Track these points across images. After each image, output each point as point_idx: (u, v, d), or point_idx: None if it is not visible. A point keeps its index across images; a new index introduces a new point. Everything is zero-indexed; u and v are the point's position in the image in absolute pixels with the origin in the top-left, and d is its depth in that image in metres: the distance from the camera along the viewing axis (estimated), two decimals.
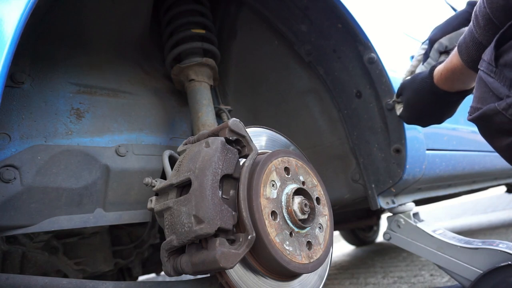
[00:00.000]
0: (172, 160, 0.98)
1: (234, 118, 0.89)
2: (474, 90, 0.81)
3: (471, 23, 0.87)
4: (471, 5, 1.15)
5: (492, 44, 0.73)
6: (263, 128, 1.05)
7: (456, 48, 0.95)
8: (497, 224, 3.64)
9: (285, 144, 1.10)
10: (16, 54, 0.66)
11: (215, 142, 0.82)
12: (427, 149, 1.49)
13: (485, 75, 0.75)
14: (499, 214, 4.50)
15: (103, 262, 1.55)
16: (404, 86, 1.23)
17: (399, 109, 1.31)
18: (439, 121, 1.22)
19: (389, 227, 1.52)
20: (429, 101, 1.14)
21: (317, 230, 0.93)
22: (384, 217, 4.31)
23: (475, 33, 0.85)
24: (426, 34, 1.59)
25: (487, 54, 0.76)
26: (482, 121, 0.76)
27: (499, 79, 0.71)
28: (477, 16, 0.83)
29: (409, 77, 1.22)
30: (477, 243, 1.27)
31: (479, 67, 0.79)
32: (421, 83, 1.14)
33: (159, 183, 0.87)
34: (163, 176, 1.01)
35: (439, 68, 1.08)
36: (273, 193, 0.86)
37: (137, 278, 1.91)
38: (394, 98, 1.32)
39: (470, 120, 0.81)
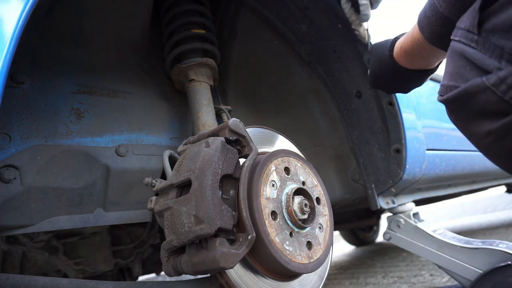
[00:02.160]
0: (172, 160, 0.98)
1: (234, 118, 0.89)
2: (445, 65, 0.69)
3: None
4: None
5: (476, 6, 0.60)
6: (263, 128, 1.05)
7: (416, 22, 0.85)
8: (497, 224, 3.64)
9: (285, 144, 1.10)
10: (16, 54, 0.66)
11: (215, 142, 0.82)
12: (427, 149, 1.49)
13: (462, 46, 0.62)
14: (499, 214, 4.50)
15: (103, 262, 1.55)
16: (370, 50, 1.12)
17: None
18: (405, 91, 1.11)
19: (389, 227, 1.52)
20: (389, 75, 1.02)
21: (317, 230, 0.93)
22: (384, 217, 4.31)
23: (438, 7, 0.75)
24: None
25: (465, 20, 0.63)
26: (460, 101, 0.62)
27: (484, 49, 0.58)
28: None
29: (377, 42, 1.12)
30: (477, 243, 1.27)
31: (452, 37, 0.67)
32: (380, 55, 1.03)
33: (159, 183, 0.87)
34: (163, 176, 1.02)
35: (400, 41, 0.96)
36: (273, 193, 0.86)
37: (137, 278, 1.91)
38: (365, 57, 1.26)
39: (442, 100, 0.67)
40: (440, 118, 1.71)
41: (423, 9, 0.83)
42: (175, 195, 0.82)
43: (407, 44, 0.93)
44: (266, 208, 0.83)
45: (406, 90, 1.11)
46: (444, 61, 0.73)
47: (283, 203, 0.87)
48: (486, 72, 0.58)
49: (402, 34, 1.01)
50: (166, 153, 1.00)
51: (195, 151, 0.84)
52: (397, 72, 1.01)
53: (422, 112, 1.52)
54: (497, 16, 0.57)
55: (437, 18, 0.77)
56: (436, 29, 0.79)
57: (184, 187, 0.83)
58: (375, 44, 1.13)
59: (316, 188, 0.99)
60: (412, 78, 1.02)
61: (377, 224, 4.57)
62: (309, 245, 0.89)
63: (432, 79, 1.74)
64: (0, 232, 0.92)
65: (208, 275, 0.90)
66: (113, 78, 1.21)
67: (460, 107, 0.64)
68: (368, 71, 1.18)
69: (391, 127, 1.37)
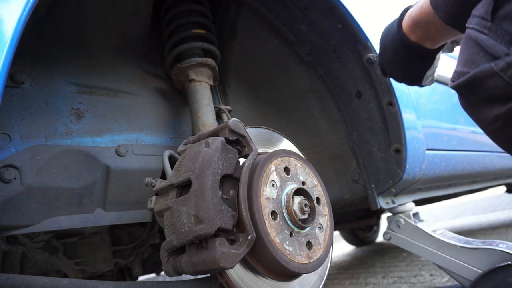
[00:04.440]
0: (172, 160, 0.98)
1: (234, 118, 0.89)
2: (459, 52, 0.69)
3: None
4: None
5: None
6: (263, 128, 1.05)
7: None
8: (497, 224, 3.64)
9: (285, 144, 1.10)
10: (16, 54, 0.66)
11: (215, 142, 0.82)
12: (427, 149, 1.49)
13: (476, 33, 0.63)
14: (499, 214, 4.50)
15: (103, 262, 1.55)
16: (381, 36, 1.08)
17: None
18: (417, 81, 1.06)
19: (389, 227, 1.52)
20: (395, 49, 0.98)
21: (317, 230, 0.93)
22: (384, 217, 4.30)
23: None
24: None
25: (480, 8, 0.64)
26: (470, 86, 0.64)
27: (495, 35, 0.59)
28: None
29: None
30: (477, 243, 1.27)
31: (467, 25, 0.67)
32: (389, 27, 1.01)
33: (159, 183, 0.87)
34: (163, 176, 1.01)
35: (409, 11, 0.94)
36: (273, 193, 0.86)
37: (137, 278, 1.91)
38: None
39: (454, 86, 0.68)
40: (440, 118, 1.71)
41: None
42: (175, 195, 0.82)
43: (416, 14, 0.90)
44: (266, 208, 0.83)
45: (418, 78, 1.05)
46: (458, 48, 0.73)
47: (283, 203, 0.87)
48: (495, 58, 0.59)
49: (408, 8, 0.96)
50: (166, 153, 1.00)
51: (195, 151, 0.84)
52: (405, 45, 0.95)
53: (422, 112, 1.52)
54: (509, 3, 0.57)
55: None
56: (452, 9, 0.77)
57: (184, 187, 0.83)
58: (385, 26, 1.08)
59: (316, 188, 0.99)
60: (419, 56, 0.97)
61: (377, 224, 4.57)
62: (309, 245, 0.89)
63: None
64: (0, 232, 0.92)
65: (208, 275, 0.90)
66: (113, 78, 1.21)
67: (470, 92, 0.65)
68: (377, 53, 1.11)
69: (391, 127, 1.37)
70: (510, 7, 0.57)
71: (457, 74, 0.67)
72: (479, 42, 0.62)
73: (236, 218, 0.78)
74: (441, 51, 1.01)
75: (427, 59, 1.00)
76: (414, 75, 1.04)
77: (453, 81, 0.68)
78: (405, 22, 0.94)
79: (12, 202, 0.90)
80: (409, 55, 0.98)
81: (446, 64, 1.56)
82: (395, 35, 0.98)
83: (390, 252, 3.34)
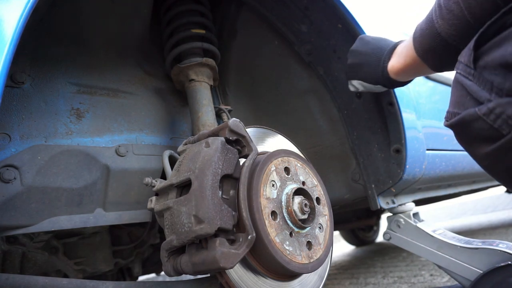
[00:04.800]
0: (172, 160, 0.98)
1: (234, 118, 0.89)
2: (450, 94, 0.76)
3: (431, 11, 0.83)
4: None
5: (471, 45, 0.68)
6: (263, 128, 1.05)
7: (411, 36, 0.92)
8: (497, 224, 3.64)
9: (285, 144, 1.10)
10: (16, 54, 0.66)
11: (215, 142, 0.82)
12: (427, 149, 1.49)
13: (462, 78, 0.70)
14: (499, 214, 4.50)
15: (103, 262, 1.55)
16: (361, 39, 1.19)
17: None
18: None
19: (389, 227, 1.52)
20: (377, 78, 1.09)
21: (317, 230, 0.93)
22: (384, 217, 4.31)
23: (435, 23, 0.81)
24: None
25: (464, 55, 0.71)
26: (460, 127, 0.71)
27: (478, 82, 0.66)
28: (441, 7, 0.79)
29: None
30: (477, 243, 1.27)
31: (455, 69, 0.74)
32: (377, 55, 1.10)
33: (159, 183, 0.87)
34: (163, 176, 1.02)
35: (394, 62, 1.03)
36: (273, 193, 0.86)
37: (137, 278, 1.91)
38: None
39: (447, 125, 0.76)
40: (440, 118, 1.71)
41: (420, 22, 0.89)
42: (175, 195, 0.82)
43: (400, 49, 1.00)
44: (266, 208, 0.83)
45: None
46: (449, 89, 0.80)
47: (283, 203, 0.87)
48: (480, 103, 0.65)
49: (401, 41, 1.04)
50: (166, 153, 1.00)
51: (195, 151, 0.84)
52: (381, 74, 1.05)
53: (422, 112, 1.52)
54: (487, 55, 0.65)
55: (431, 32, 0.83)
56: (426, 42, 0.86)
57: (184, 187, 0.83)
58: (371, 38, 1.16)
59: (316, 188, 0.99)
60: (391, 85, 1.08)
61: (377, 224, 4.57)
62: (309, 245, 0.89)
63: (432, 79, 1.74)
64: (0, 232, 0.92)
65: (208, 275, 0.90)
66: (113, 78, 1.21)
67: (461, 132, 0.72)
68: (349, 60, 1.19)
69: (391, 127, 1.37)
70: (488, 59, 0.64)
71: (449, 114, 0.75)
72: (466, 87, 0.69)
73: (236, 218, 0.78)
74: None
75: (380, 83, 1.10)
76: (361, 76, 1.14)
77: (447, 121, 0.76)
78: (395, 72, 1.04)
79: (12, 202, 0.90)
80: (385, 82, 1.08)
81: None
82: (381, 48, 1.07)
83: (390, 252, 3.34)
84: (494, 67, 0.62)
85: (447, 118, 0.76)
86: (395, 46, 1.06)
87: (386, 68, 1.04)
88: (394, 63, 1.02)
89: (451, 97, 0.75)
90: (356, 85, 1.17)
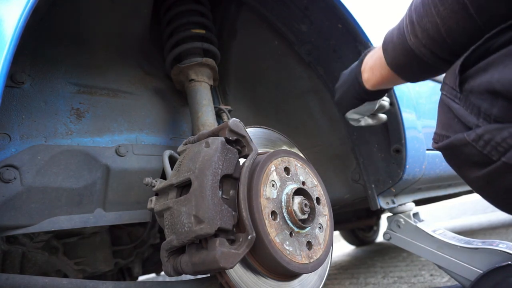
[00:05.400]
0: (172, 160, 0.98)
1: (234, 118, 0.89)
2: (437, 114, 0.75)
3: (402, 24, 0.79)
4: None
5: (456, 69, 0.67)
6: (263, 128, 1.05)
7: (381, 44, 0.89)
8: (497, 224, 3.64)
9: (285, 144, 1.10)
10: (16, 54, 0.66)
11: (215, 142, 0.82)
12: (427, 149, 1.49)
13: (449, 100, 0.69)
14: (499, 214, 4.50)
15: (103, 262, 1.55)
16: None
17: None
18: (344, 108, 1.13)
19: (389, 227, 1.52)
20: (350, 92, 1.05)
21: (317, 230, 0.93)
22: (384, 217, 4.31)
23: (407, 39, 0.77)
24: None
25: (449, 77, 0.70)
26: (449, 150, 0.70)
27: (465, 106, 0.65)
28: (413, 23, 0.75)
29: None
30: (477, 243, 1.27)
31: (440, 90, 0.73)
32: (350, 70, 1.08)
33: (159, 183, 0.87)
34: (163, 176, 1.02)
35: (367, 57, 1.00)
36: (273, 193, 0.86)
37: (137, 278, 1.91)
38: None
39: (436, 148, 0.74)
40: None
41: (390, 32, 0.84)
42: (175, 195, 0.82)
43: (369, 55, 0.98)
44: (266, 208, 0.83)
45: (348, 104, 1.12)
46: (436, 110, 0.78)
47: (283, 203, 0.87)
48: (468, 128, 0.64)
49: (370, 50, 1.01)
50: (166, 153, 1.00)
51: (195, 151, 0.84)
52: (359, 88, 1.02)
53: (422, 112, 1.52)
54: (473, 79, 0.63)
55: (403, 48, 0.79)
56: (399, 58, 0.83)
57: (184, 187, 0.83)
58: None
59: (316, 188, 0.99)
60: (363, 93, 1.04)
61: (377, 224, 4.57)
62: (309, 245, 0.89)
63: (432, 79, 1.74)
64: (0, 232, 0.92)
65: (208, 275, 0.90)
66: (113, 78, 1.21)
67: (451, 155, 0.71)
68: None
69: (391, 127, 1.37)
70: (475, 83, 0.62)
71: (437, 136, 0.73)
72: (452, 110, 0.67)
73: (236, 218, 0.78)
74: (377, 104, 1.09)
75: (363, 99, 1.06)
76: (346, 102, 1.11)
77: (436, 143, 0.74)
78: (364, 68, 1.01)
79: (12, 202, 0.90)
80: (360, 96, 1.05)
81: None
82: (353, 80, 1.05)
83: (390, 252, 3.34)
84: (481, 92, 0.61)
85: (435, 140, 0.74)
86: (362, 58, 1.03)
87: (362, 83, 1.01)
88: (369, 76, 0.99)
89: (438, 118, 0.74)
90: (352, 117, 1.15)
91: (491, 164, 0.62)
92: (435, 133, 0.74)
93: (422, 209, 3.39)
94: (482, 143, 0.61)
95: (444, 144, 0.70)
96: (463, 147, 0.65)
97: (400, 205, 1.53)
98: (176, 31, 1.29)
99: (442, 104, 0.71)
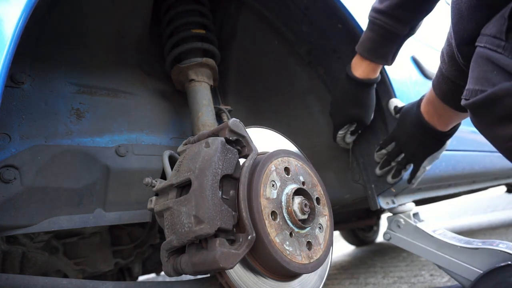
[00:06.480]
0: (172, 160, 0.98)
1: (234, 118, 0.89)
2: (470, 70, 0.70)
3: (440, 61, 0.92)
4: None
5: (505, 13, 0.61)
6: (263, 128, 1.05)
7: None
8: (497, 224, 3.64)
9: (285, 144, 1.10)
10: (16, 54, 0.66)
11: (215, 142, 0.82)
12: None
13: (488, 51, 0.63)
14: (499, 214, 4.50)
15: (103, 262, 1.55)
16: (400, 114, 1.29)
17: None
18: (419, 160, 1.32)
19: (389, 227, 1.52)
20: (416, 128, 1.17)
21: (317, 230, 0.93)
22: (384, 217, 4.30)
23: (442, 69, 0.90)
24: (425, 33, 1.58)
25: (492, 27, 0.64)
26: (487, 104, 0.63)
27: (511, 54, 0.59)
28: (443, 55, 0.88)
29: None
30: (477, 243, 1.27)
31: (477, 43, 0.68)
32: (409, 111, 1.20)
33: (159, 183, 0.87)
34: (163, 176, 1.01)
35: (424, 102, 1.13)
36: (273, 193, 0.86)
37: (137, 278, 1.91)
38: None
39: (469, 104, 0.68)
40: None
41: (435, 75, 0.98)
42: (175, 195, 0.82)
43: (427, 95, 1.09)
44: (266, 208, 0.83)
45: (426, 153, 1.28)
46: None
47: (283, 203, 0.87)
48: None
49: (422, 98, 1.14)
50: (166, 153, 1.00)
51: (195, 151, 0.84)
52: (421, 123, 1.13)
53: None
54: None
55: (443, 77, 0.91)
56: (443, 87, 0.93)
57: (184, 187, 0.83)
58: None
59: (316, 188, 0.99)
60: (432, 136, 1.14)
61: (377, 224, 4.56)
62: (309, 245, 0.89)
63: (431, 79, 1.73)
64: (0, 232, 0.92)
65: (208, 275, 0.90)
66: (113, 78, 1.20)
67: (485, 110, 0.65)
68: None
69: (391, 127, 1.37)
70: None
71: (470, 92, 0.67)
72: (493, 61, 0.62)
73: (236, 218, 0.78)
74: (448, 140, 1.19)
75: (438, 140, 1.15)
76: (423, 153, 1.23)
77: (466, 99, 0.68)
78: (422, 103, 1.13)
79: (12, 202, 0.90)
80: (424, 133, 1.14)
81: None
82: (414, 113, 1.15)
83: (390, 252, 3.34)
84: None
85: (466, 96, 0.68)
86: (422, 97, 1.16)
87: (422, 115, 1.13)
88: (426, 110, 1.11)
89: (470, 74, 0.68)
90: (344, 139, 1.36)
91: None
92: (466, 89, 0.69)
93: (422, 209, 3.38)
94: None
95: (482, 97, 0.64)
96: (507, 97, 0.59)
97: (400, 205, 1.53)
98: (176, 31, 1.29)
99: (478, 58, 0.66)
